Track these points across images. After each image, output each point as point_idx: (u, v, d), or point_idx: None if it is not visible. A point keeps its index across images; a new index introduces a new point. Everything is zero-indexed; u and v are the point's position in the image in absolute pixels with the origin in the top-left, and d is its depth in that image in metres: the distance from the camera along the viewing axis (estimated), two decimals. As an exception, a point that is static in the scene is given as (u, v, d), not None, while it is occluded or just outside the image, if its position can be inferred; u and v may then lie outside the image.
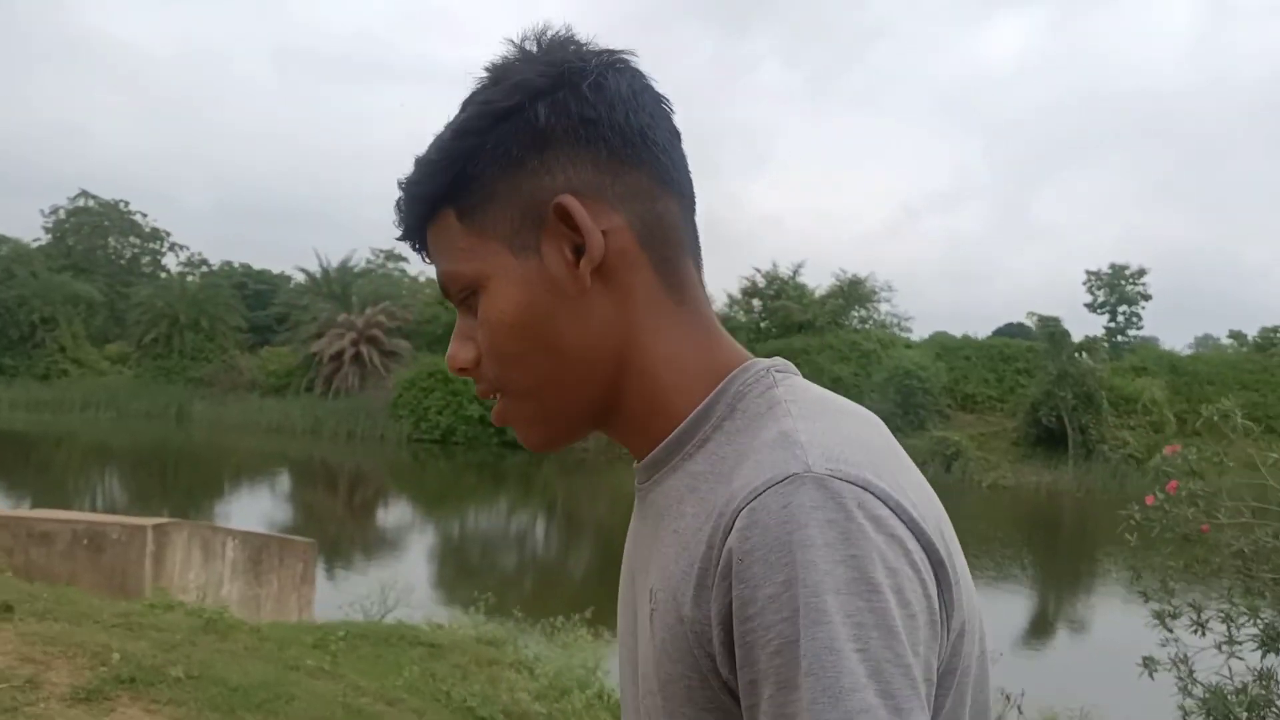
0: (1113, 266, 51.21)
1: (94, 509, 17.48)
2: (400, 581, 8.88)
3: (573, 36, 0.73)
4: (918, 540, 0.61)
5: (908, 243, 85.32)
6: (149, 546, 7.15)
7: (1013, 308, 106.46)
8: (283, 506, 21.77)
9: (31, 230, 70.35)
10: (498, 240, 0.72)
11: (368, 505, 23.73)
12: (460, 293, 0.74)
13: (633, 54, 0.74)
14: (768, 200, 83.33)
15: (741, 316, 35.98)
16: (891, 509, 0.60)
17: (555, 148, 0.71)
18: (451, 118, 0.74)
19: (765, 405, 0.69)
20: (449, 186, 0.73)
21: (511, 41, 0.74)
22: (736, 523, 0.60)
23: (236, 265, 56.01)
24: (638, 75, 0.74)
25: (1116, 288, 51.47)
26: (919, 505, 0.63)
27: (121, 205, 54.41)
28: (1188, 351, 45.02)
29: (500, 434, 32.31)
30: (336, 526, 18.89)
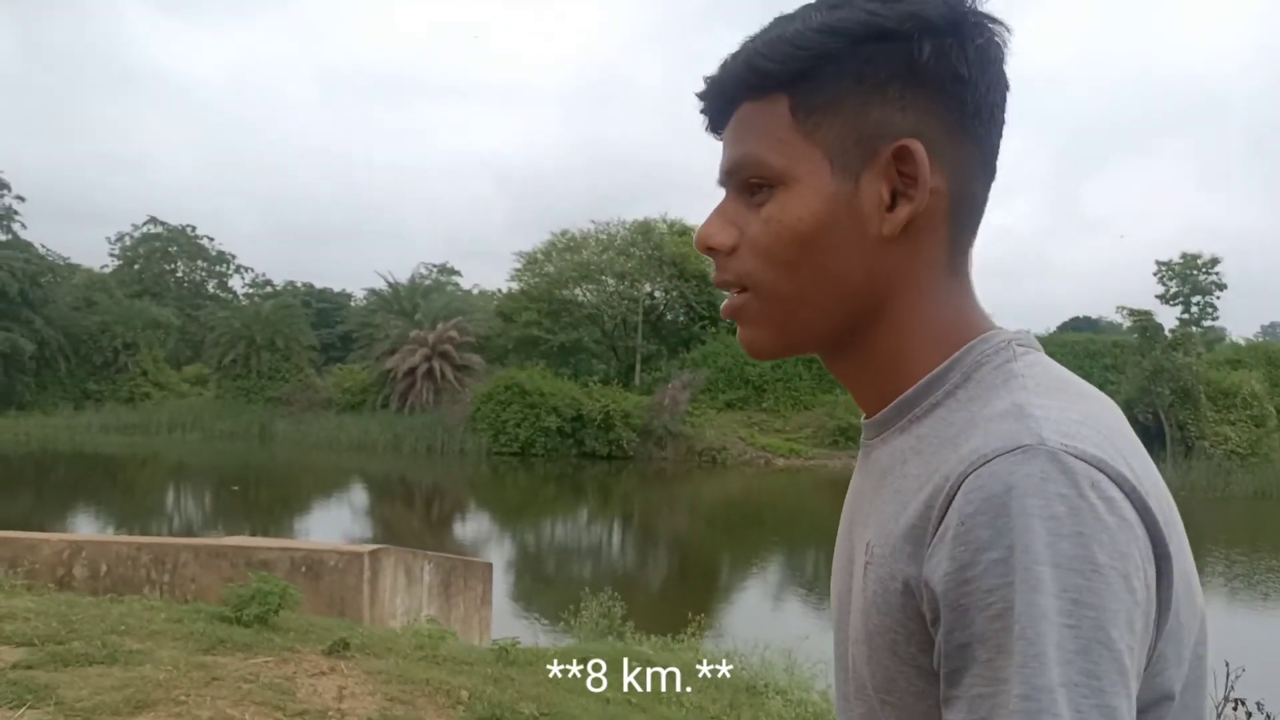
0: (1184, 256, 50.01)
1: (218, 529, 17.69)
2: (556, 597, 8.80)
3: None
4: (1146, 529, 0.60)
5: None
6: (366, 573, 7.13)
7: (1072, 302, 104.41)
8: (385, 522, 21.90)
9: (98, 258, 72.36)
10: (822, 149, 0.70)
11: (467, 519, 23.80)
12: (752, 179, 0.72)
13: (1009, 28, 0.72)
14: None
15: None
16: (1125, 493, 0.59)
17: (921, 89, 0.69)
18: (820, 3, 0.71)
19: (1001, 377, 0.68)
20: (795, 75, 0.70)
21: None
22: (963, 486, 0.60)
23: (300, 285, 57.02)
24: (1004, 49, 0.72)
25: (1189, 278, 50.24)
26: (1152, 494, 0.62)
27: (189, 230, 55.58)
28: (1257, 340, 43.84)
29: (579, 445, 32.41)
30: (440, 540, 18.93)
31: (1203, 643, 0.67)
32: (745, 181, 0.73)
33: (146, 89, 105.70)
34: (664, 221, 37.48)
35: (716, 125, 0.76)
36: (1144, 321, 29.85)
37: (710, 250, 0.75)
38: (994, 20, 0.71)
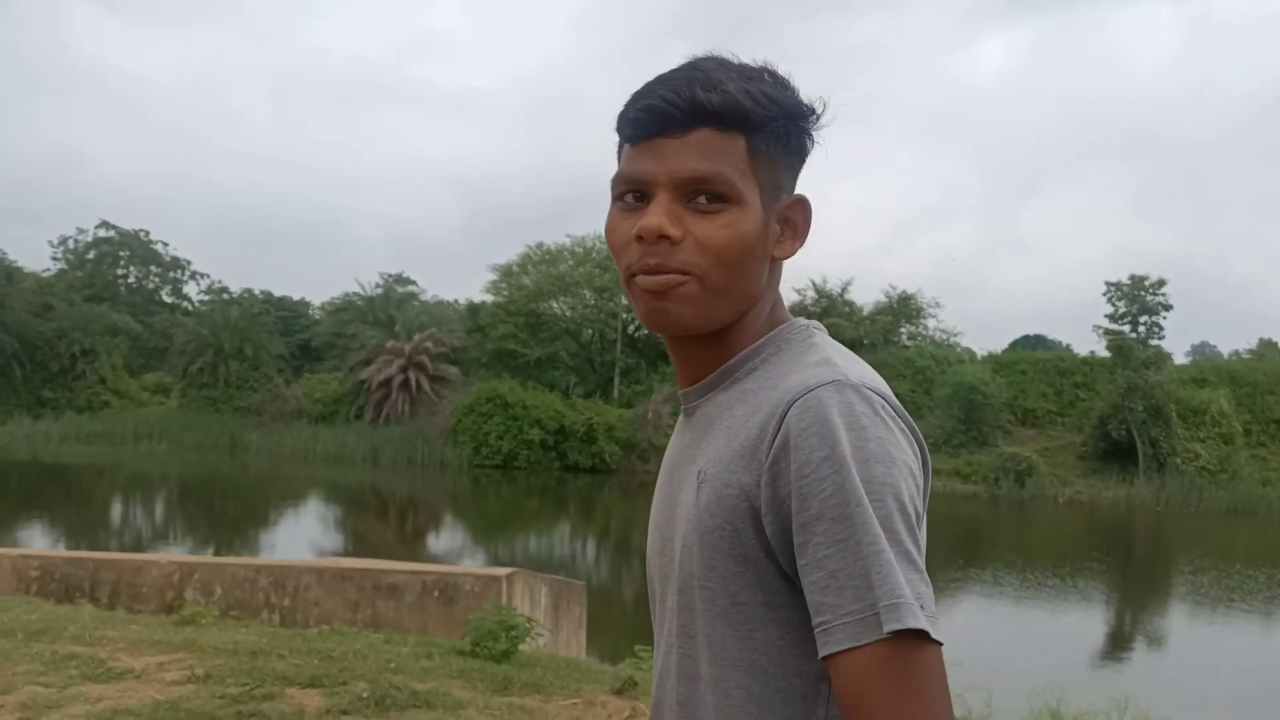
0: (1132, 277, 51.08)
1: (211, 545, 17.16)
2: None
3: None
4: (914, 436, 0.86)
5: (900, 260, 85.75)
6: (503, 597, 6.99)
7: (1015, 322, 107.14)
8: (366, 536, 21.48)
9: (39, 260, 69.85)
10: (759, 184, 0.91)
11: (453, 532, 23.46)
12: (710, 190, 0.89)
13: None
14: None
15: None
16: (900, 416, 0.85)
17: (799, 160, 0.95)
18: (754, 73, 0.92)
19: (805, 347, 0.93)
20: (753, 124, 0.90)
21: (765, 69, 0.93)
22: (792, 409, 0.82)
23: (258, 293, 55.67)
24: None
25: (1137, 298, 51.91)
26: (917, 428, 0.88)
27: (142, 234, 53.97)
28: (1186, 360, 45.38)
29: (561, 458, 32.21)
30: (416, 554, 18.64)
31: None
32: (705, 191, 0.90)
33: (90, 89, 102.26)
34: (644, 235, 37.48)
35: (660, 130, 0.90)
36: (1118, 340, 30.72)
37: (660, 238, 0.89)
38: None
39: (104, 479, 28.30)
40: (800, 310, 36.87)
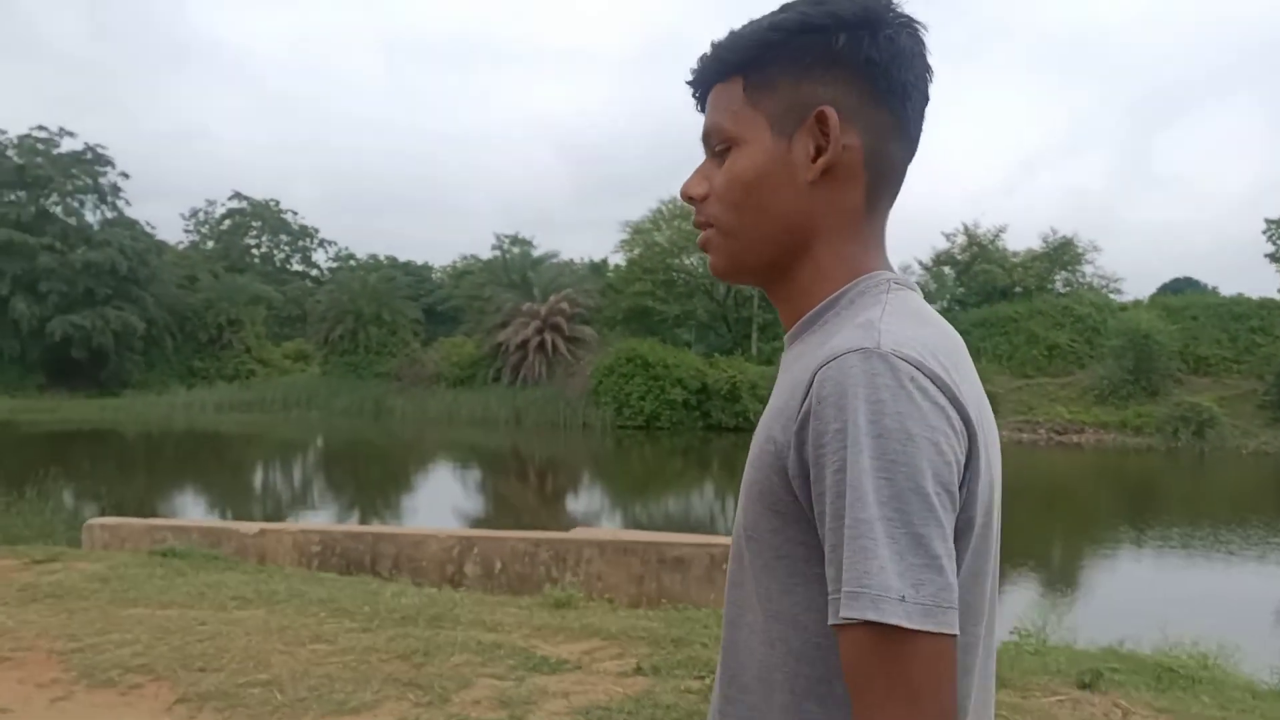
0: (1294, 212, 48.07)
1: (411, 515, 17.23)
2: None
3: None
4: (956, 411, 0.78)
5: (1026, 199, 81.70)
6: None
7: (1156, 265, 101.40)
8: (529, 500, 21.40)
9: (171, 233, 72.55)
10: (765, 116, 0.89)
11: (602, 493, 23.23)
12: (718, 143, 0.92)
13: (923, 25, 0.90)
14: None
15: (933, 284, 34.44)
16: (939, 387, 0.77)
17: (838, 69, 0.88)
18: (774, 9, 0.91)
19: (871, 302, 0.87)
20: (747, 62, 0.90)
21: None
22: (817, 376, 0.79)
23: (382, 258, 56.66)
24: (919, 42, 0.90)
25: (1299, 235, 48.32)
26: (966, 393, 0.80)
27: (272, 204, 55.51)
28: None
29: (705, 417, 31.74)
30: (560, 517, 18.35)
31: (991, 508, 0.84)
32: (714, 147, 0.93)
33: (206, 63, 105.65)
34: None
35: (702, 106, 0.95)
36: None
37: (689, 199, 0.94)
38: (906, 19, 0.89)
39: (268, 447, 29.13)
40: (947, 259, 35.44)
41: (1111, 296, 34.52)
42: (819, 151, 0.87)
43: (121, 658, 4.12)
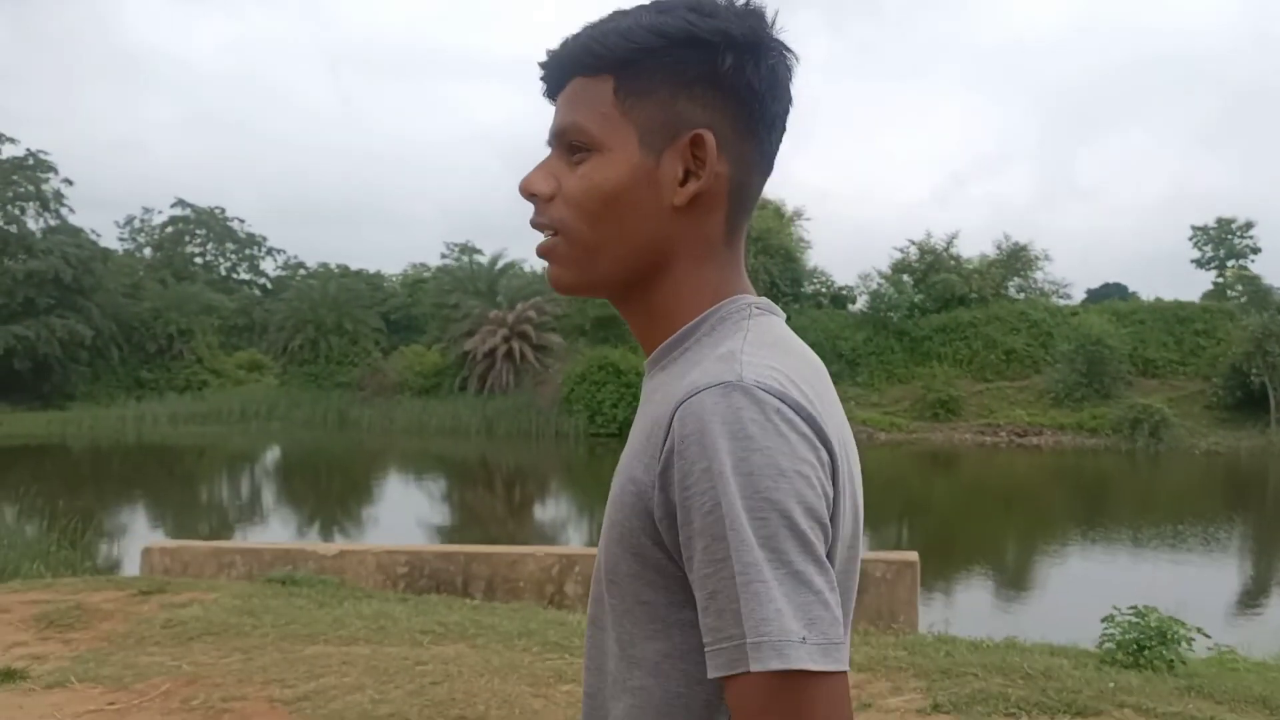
0: (1219, 221, 50.14)
1: (372, 525, 17.07)
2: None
3: (762, 8, 0.85)
4: (822, 443, 0.76)
5: (956, 210, 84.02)
6: (918, 583, 6.69)
7: (1080, 272, 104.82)
8: (518, 513, 21.38)
9: (107, 242, 69.96)
10: (634, 127, 0.83)
11: (579, 503, 23.29)
12: (574, 142, 0.85)
13: (795, 55, 0.87)
14: (814, 176, 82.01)
15: (893, 292, 35.23)
16: (803, 418, 0.75)
17: (719, 92, 0.83)
18: (650, 7, 0.84)
19: (733, 330, 0.83)
20: (622, 63, 0.83)
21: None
22: (678, 412, 0.75)
23: (334, 267, 55.62)
24: (791, 70, 0.87)
25: (1224, 242, 50.49)
26: (828, 422, 0.78)
27: (217, 211, 54.06)
28: None
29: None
30: (547, 530, 18.40)
31: (854, 536, 0.83)
32: (569, 143, 0.85)
33: (145, 72, 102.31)
34: (741, 195, 36.83)
35: (552, 93, 0.88)
36: (1254, 285, 29.76)
37: (532, 196, 0.87)
38: (786, 47, 0.86)
39: (234, 459, 28.45)
40: (905, 267, 36.26)
41: (1059, 302, 35.77)
42: (688, 176, 0.84)
43: (360, 706, 3.93)
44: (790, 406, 0.74)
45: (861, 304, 36.62)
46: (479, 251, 42.99)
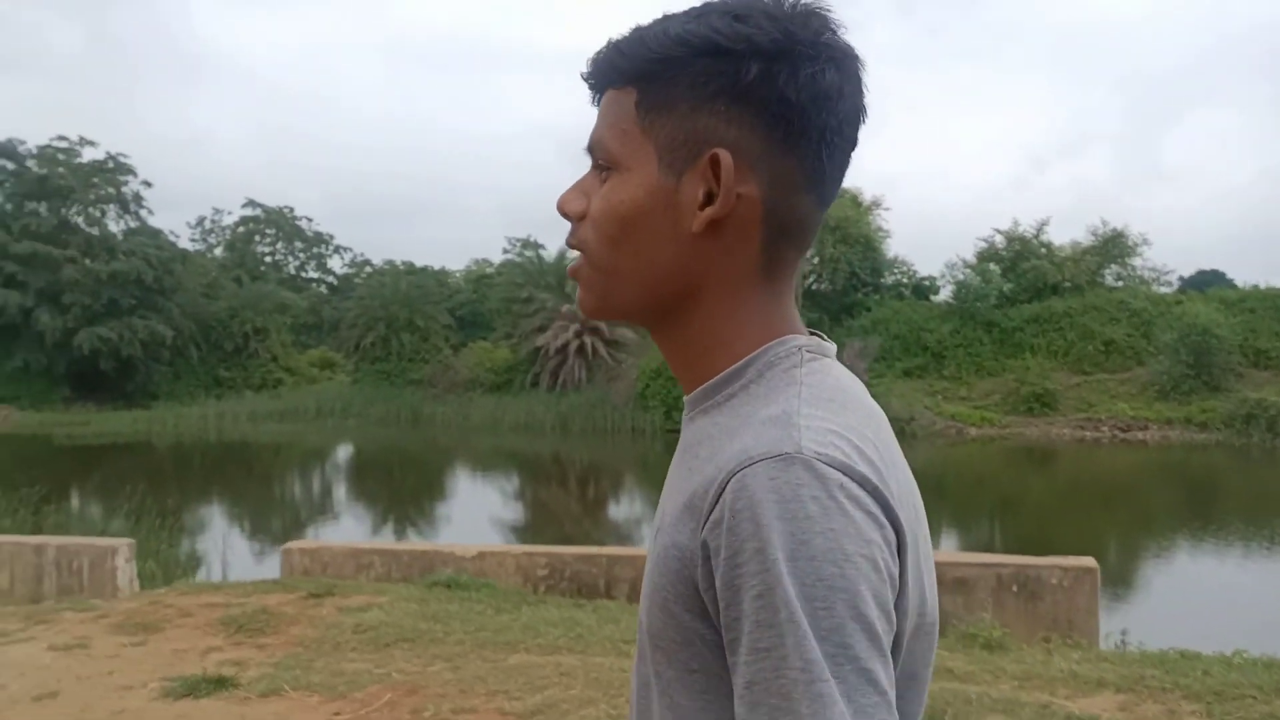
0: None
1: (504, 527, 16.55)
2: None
3: (819, 9, 0.76)
4: (890, 521, 0.69)
5: (1034, 196, 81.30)
6: (1099, 592, 5.89)
7: (1173, 257, 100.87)
8: (629, 509, 20.73)
9: (179, 242, 71.37)
10: (654, 144, 0.76)
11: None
12: (599, 159, 0.80)
13: (859, 58, 0.78)
14: (884, 163, 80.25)
15: (979, 281, 33.79)
16: (869, 492, 0.68)
17: (744, 105, 0.74)
18: (687, 13, 0.77)
19: (785, 381, 0.75)
20: (645, 74, 0.77)
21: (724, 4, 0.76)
22: (730, 483, 0.68)
23: (399, 264, 55.83)
24: (855, 79, 0.77)
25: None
26: (895, 493, 0.71)
27: (286, 211, 54.67)
28: None
29: (755, 420, 30.94)
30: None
31: (923, 609, 0.75)
32: (596, 160, 0.80)
33: (210, 72, 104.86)
34: (818, 183, 35.77)
35: (596, 102, 0.82)
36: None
37: (564, 215, 0.82)
38: (838, 52, 0.75)
39: (319, 457, 28.39)
40: (991, 255, 34.80)
41: (1159, 289, 33.96)
42: (709, 199, 0.75)
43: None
44: (855, 480, 0.68)
45: (945, 294, 35.30)
46: (541, 246, 42.88)
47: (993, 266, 34.30)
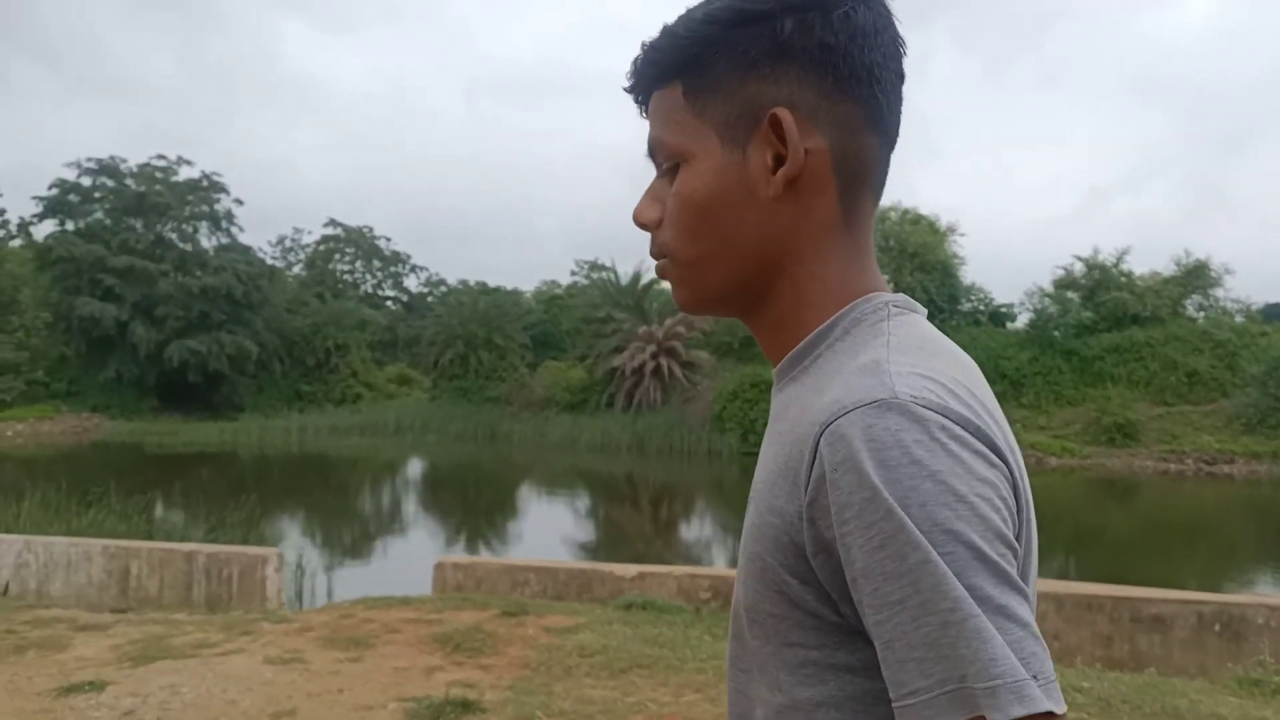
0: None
1: (588, 547, 16.92)
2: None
3: None
4: (995, 453, 0.67)
5: (1098, 226, 79.98)
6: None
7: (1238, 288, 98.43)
8: (701, 532, 20.97)
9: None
10: (712, 126, 0.77)
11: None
12: (665, 160, 0.81)
13: None
14: (943, 192, 79.60)
15: (1057, 309, 33.55)
16: (971, 432, 0.66)
17: (789, 62, 0.75)
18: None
19: (872, 334, 0.75)
20: (684, 63, 0.78)
21: None
22: (825, 436, 0.66)
23: (473, 283, 56.89)
24: (884, 13, 0.78)
25: None
26: (996, 432, 0.69)
27: (365, 230, 56.06)
28: None
29: (830, 444, 31.02)
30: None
31: (1030, 544, 0.72)
32: (661, 164, 0.81)
33: (295, 98, 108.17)
34: (895, 210, 35.90)
35: (644, 113, 0.83)
36: None
37: (643, 226, 0.83)
38: None
39: (398, 471, 29.12)
40: (1069, 284, 34.53)
41: (1246, 321, 33.38)
42: (779, 161, 0.76)
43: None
44: (956, 421, 0.66)
45: (1022, 321, 35.10)
46: (606, 268, 43.24)
47: (1070, 294, 34.06)
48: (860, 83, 0.76)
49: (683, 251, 0.80)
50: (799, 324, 0.79)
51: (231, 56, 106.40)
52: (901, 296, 0.79)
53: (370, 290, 56.00)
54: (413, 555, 14.83)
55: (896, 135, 0.81)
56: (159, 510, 15.57)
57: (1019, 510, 0.68)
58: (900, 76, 0.79)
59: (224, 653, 5.17)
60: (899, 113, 0.80)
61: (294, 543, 14.51)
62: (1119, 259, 34.02)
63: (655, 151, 0.81)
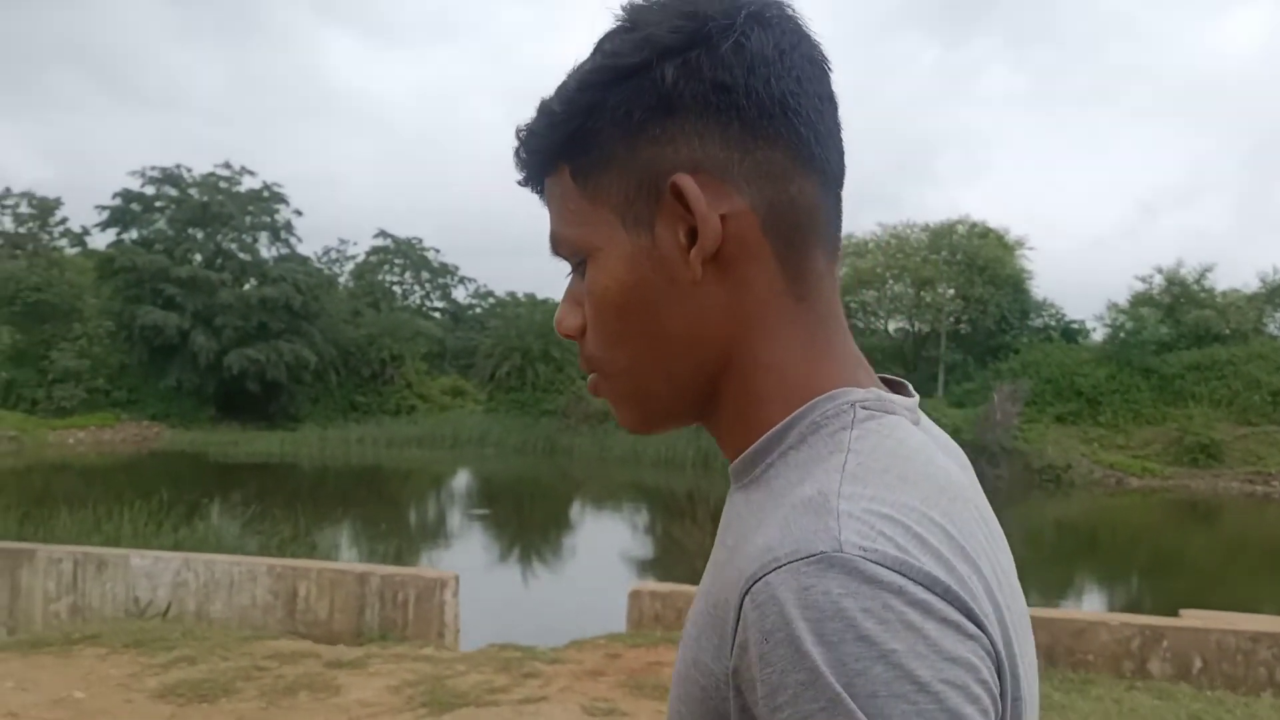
0: None
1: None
2: None
3: None
4: (973, 623, 0.53)
5: (1145, 244, 78.67)
6: None
7: None
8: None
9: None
10: (610, 209, 0.65)
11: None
12: (570, 256, 0.68)
13: (788, 3, 0.65)
14: (989, 207, 78.66)
15: (1129, 324, 32.71)
16: (938, 594, 0.52)
17: (681, 115, 0.62)
18: (580, 62, 0.66)
19: (829, 449, 0.60)
20: (564, 141, 0.66)
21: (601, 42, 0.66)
22: (750, 595, 0.54)
23: (520, 295, 56.83)
24: (790, 30, 0.65)
25: None
26: (975, 585, 0.55)
27: (414, 242, 56.09)
28: None
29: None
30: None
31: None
32: (568, 260, 0.69)
33: (341, 112, 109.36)
34: (963, 224, 35.26)
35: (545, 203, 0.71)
36: None
37: (567, 335, 0.70)
38: (755, 8, 0.63)
39: (461, 483, 28.81)
40: (1146, 300, 33.70)
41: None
42: (693, 237, 0.62)
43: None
44: (920, 582, 0.52)
45: (1097, 337, 34.29)
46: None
47: (1146, 311, 33.22)
48: (774, 120, 0.63)
49: (610, 363, 0.67)
50: (752, 422, 0.65)
51: (282, 70, 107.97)
52: (874, 393, 0.64)
53: (418, 302, 56.00)
54: (578, 579, 14.49)
55: (841, 170, 0.67)
56: (307, 526, 15.24)
57: (1004, 695, 0.54)
58: (827, 100, 0.65)
59: (523, 699, 4.82)
60: (838, 141, 0.66)
61: (445, 563, 14.16)
62: (1201, 275, 33.16)
63: (556, 248, 0.69)
